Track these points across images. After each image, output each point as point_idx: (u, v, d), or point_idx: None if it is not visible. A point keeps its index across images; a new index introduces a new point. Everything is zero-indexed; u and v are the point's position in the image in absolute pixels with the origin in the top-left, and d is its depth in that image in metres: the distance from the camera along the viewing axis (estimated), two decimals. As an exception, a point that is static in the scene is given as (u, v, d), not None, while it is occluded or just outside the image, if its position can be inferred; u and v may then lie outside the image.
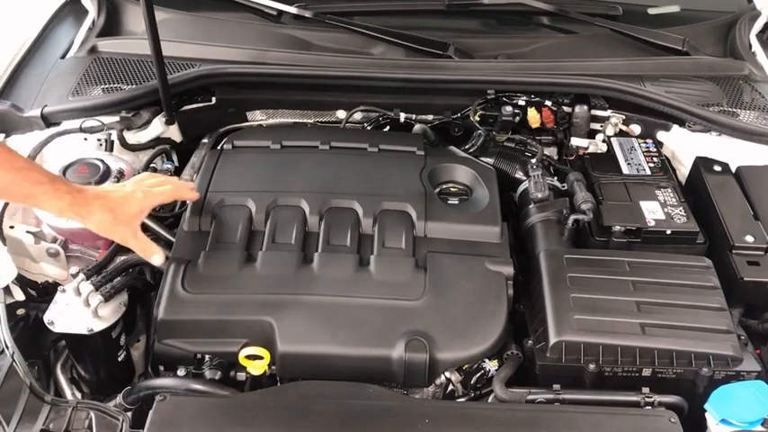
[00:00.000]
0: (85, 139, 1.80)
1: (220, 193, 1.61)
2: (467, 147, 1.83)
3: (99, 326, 1.42)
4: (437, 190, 1.68)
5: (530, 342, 1.42)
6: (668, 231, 1.59)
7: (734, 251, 1.56)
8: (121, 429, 1.29)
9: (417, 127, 1.92)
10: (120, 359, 1.51)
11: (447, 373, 1.38)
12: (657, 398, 1.32)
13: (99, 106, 1.81)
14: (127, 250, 1.52)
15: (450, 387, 1.40)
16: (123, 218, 1.40)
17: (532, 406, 1.32)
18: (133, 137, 1.84)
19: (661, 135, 1.93)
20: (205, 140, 1.96)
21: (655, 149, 1.85)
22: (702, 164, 1.78)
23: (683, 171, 1.86)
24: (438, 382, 1.39)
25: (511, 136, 1.90)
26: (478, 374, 1.41)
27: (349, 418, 1.23)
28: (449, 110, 1.97)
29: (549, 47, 2.07)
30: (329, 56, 1.98)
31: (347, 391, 1.30)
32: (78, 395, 1.50)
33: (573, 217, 1.58)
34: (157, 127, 1.87)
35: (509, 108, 1.89)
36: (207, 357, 1.41)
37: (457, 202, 1.66)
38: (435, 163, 1.72)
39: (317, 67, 1.93)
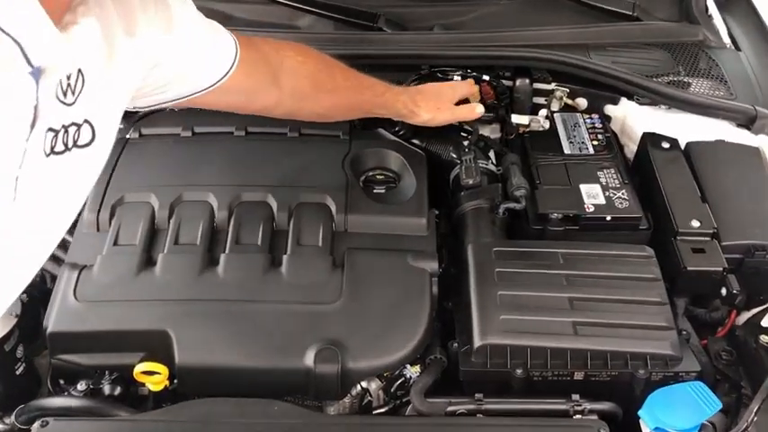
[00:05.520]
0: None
1: (122, 188, 1.48)
2: (396, 129, 1.70)
3: (-15, 340, 1.30)
4: (362, 178, 1.56)
5: (455, 345, 1.32)
6: (608, 218, 1.47)
7: (678, 237, 1.45)
8: None
9: (345, 107, 1.78)
10: (18, 372, 1.39)
11: (363, 383, 1.28)
12: (588, 405, 1.22)
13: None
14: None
15: (369, 397, 1.29)
16: (443, 105, 1.60)
17: (451, 419, 1.21)
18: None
19: (609, 109, 1.80)
20: (120, 126, 1.81)
21: (601, 125, 1.72)
22: (650, 140, 1.65)
23: (632, 147, 1.74)
24: (354, 392, 1.28)
25: (446, 114, 1.76)
26: (399, 381, 1.30)
27: (248, 440, 1.13)
28: (382, 86, 1.83)
29: (489, 15, 1.93)
30: (251, 30, 1.82)
31: (249, 409, 1.19)
32: (-23, 412, 1.39)
33: (504, 205, 1.46)
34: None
35: (444, 84, 1.75)
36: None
37: (383, 191, 1.54)
38: (360, 148, 1.59)
39: (237, 44, 1.77)
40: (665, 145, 1.64)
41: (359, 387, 1.28)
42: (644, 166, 1.63)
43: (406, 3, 1.97)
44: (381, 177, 1.57)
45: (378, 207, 1.47)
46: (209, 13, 1.91)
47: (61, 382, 1.33)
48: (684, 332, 1.34)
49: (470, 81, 1.72)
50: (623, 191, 1.52)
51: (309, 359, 1.23)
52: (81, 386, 1.29)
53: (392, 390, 1.30)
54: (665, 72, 1.76)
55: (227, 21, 1.87)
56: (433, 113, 1.59)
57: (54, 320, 1.29)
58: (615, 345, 1.26)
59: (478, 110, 1.64)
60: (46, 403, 1.27)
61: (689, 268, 1.40)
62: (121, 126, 1.77)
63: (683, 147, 1.65)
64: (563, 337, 1.26)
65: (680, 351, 1.27)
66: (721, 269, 1.40)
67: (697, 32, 1.87)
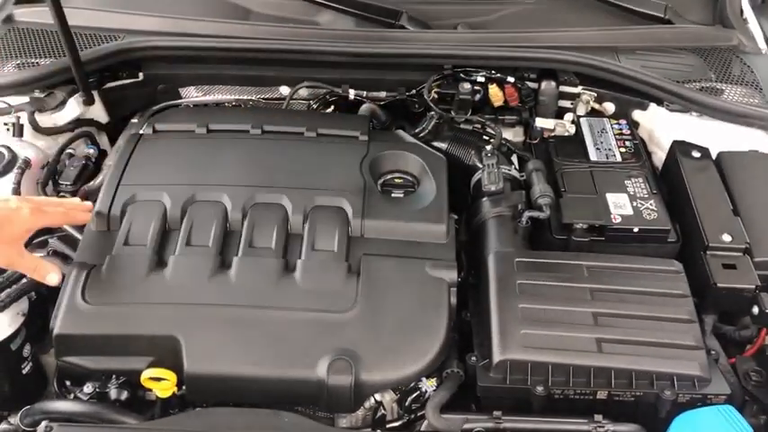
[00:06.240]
0: (-5, 122, 1.62)
1: (134, 185, 1.44)
2: (417, 131, 1.65)
3: (-8, 339, 1.28)
4: (380, 181, 1.51)
5: (473, 358, 1.27)
6: (635, 229, 1.41)
7: (708, 252, 1.39)
8: None
9: (364, 107, 1.73)
10: (24, 372, 1.37)
11: (378, 396, 1.24)
12: (611, 426, 1.17)
13: (7, 85, 1.63)
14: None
15: (382, 410, 1.25)
16: (6, 238, 1.22)
17: (469, 437, 1.17)
18: (48, 119, 1.66)
19: (637, 114, 1.74)
20: (134, 120, 1.78)
21: (628, 131, 1.66)
22: (680, 148, 1.60)
23: (661, 155, 1.68)
24: (367, 405, 1.24)
25: (469, 117, 1.71)
26: (414, 395, 1.26)
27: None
28: (403, 86, 1.77)
29: (516, 15, 1.87)
30: (270, 26, 1.78)
31: (259, 420, 1.16)
32: (-17, 408, 1.37)
33: (527, 214, 1.41)
34: (75, 108, 1.69)
35: (467, 85, 1.69)
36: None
37: (402, 195, 1.49)
38: (379, 150, 1.54)
39: (256, 40, 1.74)
40: (696, 154, 1.58)
41: (372, 400, 1.24)
42: (673, 176, 1.58)
43: (429, 0, 1.91)
44: (400, 181, 1.52)
45: (396, 212, 1.42)
46: (229, 7, 1.90)
47: (68, 383, 1.29)
48: (713, 352, 1.29)
49: (68, 210, 1.36)
50: (651, 201, 1.46)
51: (322, 370, 1.19)
52: (87, 389, 1.26)
53: (406, 403, 1.26)
54: (696, 78, 1.69)
55: (246, 15, 1.84)
56: None
57: (60, 322, 1.25)
58: (641, 363, 1.21)
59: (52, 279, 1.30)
60: (51, 407, 1.24)
61: (719, 285, 1.34)
62: (135, 121, 1.76)
63: (714, 156, 1.59)
64: (586, 354, 1.21)
65: (709, 372, 1.21)
66: (753, 287, 1.34)
67: (731, 37, 1.80)
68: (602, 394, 1.21)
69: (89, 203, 1.40)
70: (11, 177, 1.50)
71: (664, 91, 1.65)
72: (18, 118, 1.60)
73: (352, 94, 1.76)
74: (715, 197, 1.48)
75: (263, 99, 1.84)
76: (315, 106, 1.78)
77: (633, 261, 1.36)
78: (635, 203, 1.46)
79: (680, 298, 1.30)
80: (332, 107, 1.80)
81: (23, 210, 1.25)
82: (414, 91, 1.76)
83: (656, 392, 1.20)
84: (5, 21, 1.81)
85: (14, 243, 1.25)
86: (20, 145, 1.57)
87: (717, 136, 1.62)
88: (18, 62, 1.70)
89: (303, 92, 1.79)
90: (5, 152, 1.53)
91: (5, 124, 1.61)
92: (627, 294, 1.30)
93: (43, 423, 1.17)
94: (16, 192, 1.48)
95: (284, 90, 1.81)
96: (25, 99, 1.63)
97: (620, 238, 1.42)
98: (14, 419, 1.32)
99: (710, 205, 1.46)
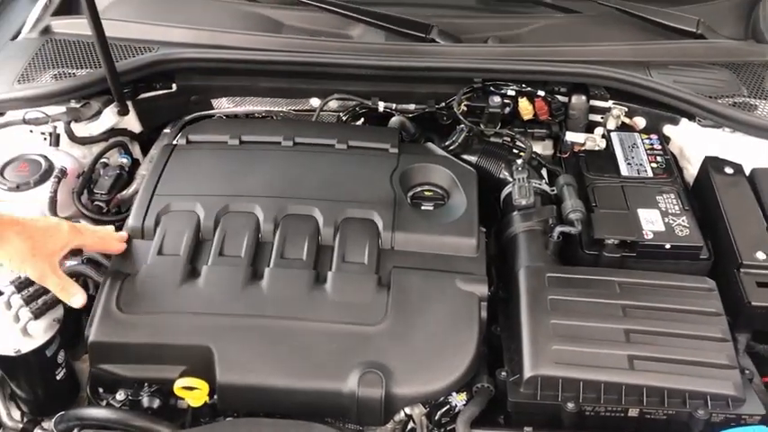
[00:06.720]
0: (31, 131, 1.65)
1: (168, 196, 1.46)
2: (447, 144, 1.65)
3: (28, 346, 1.29)
4: (410, 194, 1.51)
5: (504, 373, 1.26)
6: (667, 246, 1.40)
7: (742, 270, 1.37)
8: None
9: (394, 120, 1.73)
10: (58, 378, 1.38)
11: (407, 410, 1.24)
12: (644, 444, 1.17)
13: (45, 95, 1.65)
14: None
15: (412, 424, 1.25)
16: (44, 251, 1.24)
17: (498, 453, 1.17)
18: (83, 129, 1.69)
19: (668, 129, 1.73)
20: (167, 131, 1.80)
21: (660, 147, 1.65)
22: (712, 164, 1.58)
23: (692, 171, 1.67)
24: (397, 418, 1.24)
25: (499, 130, 1.71)
26: (444, 409, 1.26)
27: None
28: (432, 99, 1.78)
29: (547, 29, 1.86)
30: (302, 39, 1.79)
31: (290, 431, 1.16)
32: (17, 414, 1.39)
33: (559, 229, 1.41)
34: (110, 118, 1.72)
35: (497, 99, 1.69)
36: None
37: (432, 208, 1.49)
38: (409, 163, 1.54)
39: (288, 52, 1.74)
40: (729, 170, 1.57)
41: (402, 413, 1.24)
42: (705, 192, 1.56)
43: (460, 14, 1.93)
44: (430, 194, 1.52)
45: (426, 225, 1.42)
46: (262, 20, 1.92)
47: (100, 390, 1.31)
48: (747, 371, 1.27)
49: (104, 236, 1.37)
50: (683, 218, 1.45)
51: (353, 382, 1.19)
52: (120, 396, 1.28)
53: (436, 417, 1.25)
54: (729, 93, 1.67)
55: (278, 28, 1.86)
56: (22, 259, 1.23)
57: (95, 330, 1.27)
58: (673, 382, 1.20)
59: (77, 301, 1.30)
60: (85, 413, 1.26)
61: (753, 303, 1.33)
62: (167, 131, 1.78)
63: (747, 172, 1.57)
64: (618, 372, 1.20)
65: (743, 392, 1.20)
66: (789, 306, 1.32)
67: (764, 52, 1.78)
68: (633, 412, 1.20)
69: (124, 234, 1.41)
70: (48, 186, 1.52)
71: (696, 106, 1.63)
72: (55, 128, 1.63)
73: (381, 106, 1.76)
74: (748, 214, 1.47)
75: (293, 110, 1.85)
76: (344, 118, 1.80)
77: (665, 278, 1.35)
78: (667, 219, 1.45)
79: (713, 316, 1.29)
80: (362, 119, 1.81)
81: (63, 226, 1.28)
82: (443, 104, 1.77)
83: (688, 411, 1.19)
84: (43, 32, 1.85)
85: (50, 258, 1.26)
86: (56, 154, 1.59)
87: (750, 152, 1.60)
88: (55, 72, 1.72)
89: (333, 104, 1.80)
90: (42, 161, 1.56)
91: (42, 133, 1.64)
92: (659, 311, 1.29)
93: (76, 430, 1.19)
94: (53, 200, 1.50)
95: (314, 102, 1.82)
96: (62, 109, 1.65)
97: (651, 255, 1.41)
98: (48, 425, 1.34)
99: (744, 222, 1.45)
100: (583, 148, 1.69)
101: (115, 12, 1.88)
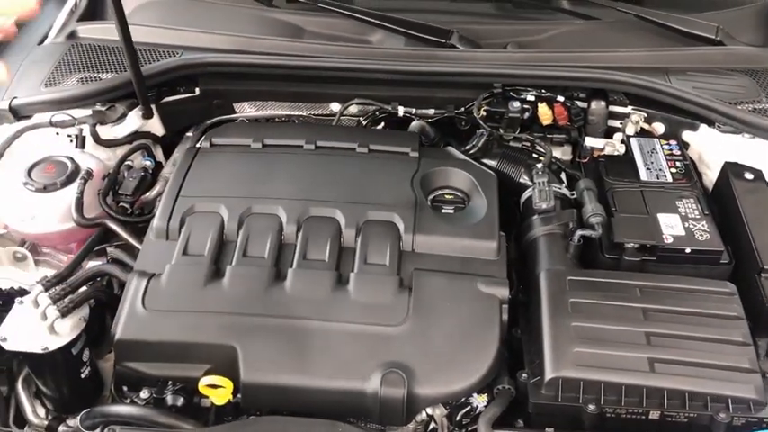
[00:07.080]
0: (57, 133, 1.68)
1: (192, 197, 1.48)
2: (467, 148, 1.66)
3: (55, 343, 1.31)
4: (431, 197, 1.53)
5: (524, 375, 1.27)
6: (688, 250, 1.41)
7: (763, 274, 1.38)
8: None
9: (414, 124, 1.75)
10: (83, 376, 1.40)
11: (429, 410, 1.25)
12: (665, 447, 1.17)
13: (71, 98, 1.69)
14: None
15: (433, 425, 1.26)
16: None
17: (520, 454, 1.17)
18: (108, 132, 1.72)
19: (687, 135, 1.74)
20: (189, 134, 1.83)
21: (679, 152, 1.66)
22: (732, 170, 1.59)
23: (711, 177, 1.68)
24: (419, 419, 1.25)
25: (518, 135, 1.72)
26: (465, 410, 1.27)
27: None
28: (452, 104, 1.79)
29: (566, 35, 1.88)
30: (322, 44, 1.82)
31: (313, 429, 1.17)
32: (42, 412, 1.41)
33: (579, 232, 1.41)
34: (134, 121, 1.74)
35: (517, 104, 1.71)
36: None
37: (452, 211, 1.50)
38: (430, 166, 1.56)
39: (310, 58, 1.77)
40: (749, 176, 1.58)
41: (424, 413, 1.24)
42: (724, 197, 1.57)
43: (480, 20, 1.94)
44: (450, 197, 1.54)
45: (446, 228, 1.44)
46: (283, 26, 1.94)
47: (124, 388, 1.33)
48: (768, 375, 1.27)
49: None
50: (703, 222, 1.46)
51: (375, 382, 1.21)
52: (144, 394, 1.30)
53: (457, 418, 1.26)
54: (748, 99, 1.68)
55: (300, 34, 1.89)
56: None
57: (122, 328, 1.29)
58: (694, 385, 1.20)
59: None
60: (111, 410, 1.28)
61: (775, 307, 1.33)
62: (190, 134, 1.80)
63: (767, 178, 1.57)
64: (639, 374, 1.21)
65: (765, 395, 1.20)
66: (810, 310, 1.32)
67: (784, 59, 1.79)
68: (654, 414, 1.21)
69: None
70: (74, 187, 1.55)
71: (715, 112, 1.64)
72: (81, 130, 1.66)
73: (401, 111, 1.78)
74: (769, 219, 1.47)
75: (313, 115, 1.87)
76: (365, 122, 1.82)
77: (686, 282, 1.35)
78: (687, 224, 1.45)
79: (734, 320, 1.29)
80: (381, 124, 1.82)
81: None
82: (462, 108, 1.78)
83: (710, 414, 1.19)
84: (69, 37, 1.88)
85: None
86: (82, 156, 1.62)
87: (770, 158, 1.61)
88: (81, 76, 1.75)
89: (353, 108, 1.82)
90: (69, 163, 1.58)
91: (69, 136, 1.67)
92: (680, 315, 1.29)
93: (106, 427, 1.20)
94: (79, 201, 1.53)
95: (335, 107, 1.84)
96: (87, 112, 1.68)
97: (671, 259, 1.42)
98: (73, 422, 1.36)
99: (764, 227, 1.45)
100: (602, 154, 1.70)
101: (139, 17, 1.91)
